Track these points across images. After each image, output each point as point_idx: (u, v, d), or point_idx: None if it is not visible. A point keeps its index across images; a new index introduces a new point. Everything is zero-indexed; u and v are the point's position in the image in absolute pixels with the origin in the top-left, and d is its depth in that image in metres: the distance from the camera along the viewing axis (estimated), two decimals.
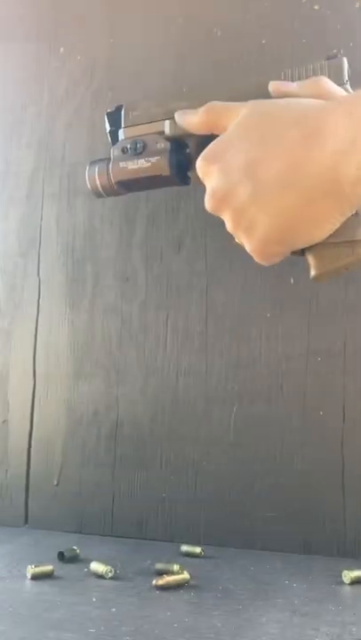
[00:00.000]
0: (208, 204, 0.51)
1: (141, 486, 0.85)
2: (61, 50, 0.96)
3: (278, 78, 0.53)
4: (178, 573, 0.66)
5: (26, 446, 0.92)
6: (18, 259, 0.96)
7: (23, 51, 0.99)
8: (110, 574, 0.67)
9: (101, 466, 0.88)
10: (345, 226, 0.48)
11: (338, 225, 0.48)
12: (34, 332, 0.94)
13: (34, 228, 0.95)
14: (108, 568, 0.67)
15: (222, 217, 0.51)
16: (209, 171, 0.50)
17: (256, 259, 0.52)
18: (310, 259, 0.51)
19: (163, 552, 0.76)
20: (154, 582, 0.64)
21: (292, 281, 0.81)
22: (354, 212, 0.48)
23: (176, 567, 0.67)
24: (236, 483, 0.81)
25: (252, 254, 0.52)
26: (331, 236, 0.49)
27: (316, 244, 0.49)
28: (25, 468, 0.91)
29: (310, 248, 0.50)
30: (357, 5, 0.81)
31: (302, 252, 0.51)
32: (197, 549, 0.75)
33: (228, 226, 0.51)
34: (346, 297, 0.79)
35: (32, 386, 0.93)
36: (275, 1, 0.85)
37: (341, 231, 0.48)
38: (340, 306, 0.79)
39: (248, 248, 0.51)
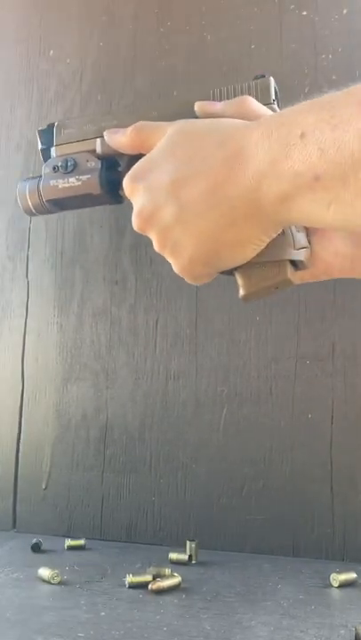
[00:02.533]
0: (135, 223, 0.51)
1: (130, 490, 0.85)
2: (51, 52, 0.96)
3: (207, 97, 0.53)
4: (170, 577, 0.66)
5: (14, 449, 0.91)
6: (6, 261, 0.95)
7: (12, 53, 0.99)
8: (57, 579, 0.66)
9: (90, 469, 0.87)
10: (272, 245, 0.48)
11: (263, 246, 0.48)
12: (22, 335, 0.93)
13: (22, 231, 0.95)
14: (55, 572, 0.66)
15: (149, 236, 0.51)
16: (135, 190, 0.50)
17: (185, 278, 0.52)
18: (238, 279, 0.51)
19: (152, 556, 0.76)
20: (149, 587, 0.64)
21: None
22: (280, 232, 0.48)
23: (168, 571, 0.67)
24: (226, 486, 0.81)
25: (179, 274, 0.52)
26: (258, 255, 0.49)
27: (244, 264, 0.50)
28: (13, 471, 0.91)
29: (238, 268, 0.50)
30: (345, 12, 0.82)
31: (231, 272, 0.51)
32: (185, 556, 0.73)
33: (155, 245, 0.51)
34: (334, 301, 0.80)
35: (20, 389, 0.92)
36: (264, 6, 0.85)
37: (268, 251, 0.48)
38: (328, 310, 0.80)
39: (175, 268, 0.51)
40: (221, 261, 0.49)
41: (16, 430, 0.92)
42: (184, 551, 0.74)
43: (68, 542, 0.80)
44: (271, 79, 0.53)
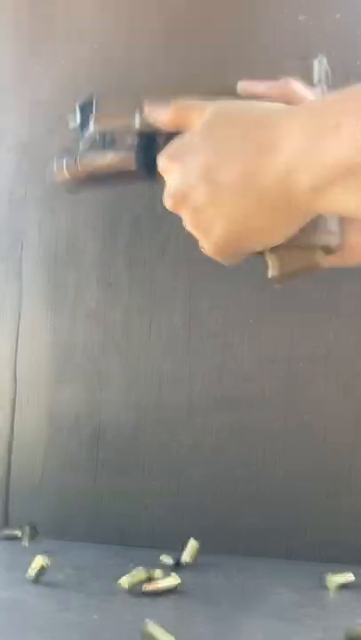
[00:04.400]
0: (167, 202, 0.52)
1: (123, 492, 0.85)
2: (45, 54, 0.96)
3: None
4: (162, 579, 0.66)
5: (6, 452, 0.91)
6: None
7: (5, 54, 0.98)
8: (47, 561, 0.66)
9: (83, 472, 0.87)
10: (304, 230, 0.49)
11: (292, 232, 0.49)
12: (15, 337, 0.93)
13: (16, 233, 0.95)
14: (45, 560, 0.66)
15: (181, 215, 0.52)
16: (170, 169, 0.51)
17: (215, 258, 0.53)
18: (269, 260, 0.52)
19: (144, 559, 0.76)
20: (143, 588, 0.64)
21: (275, 287, 0.81)
22: (311, 218, 0.49)
23: (158, 573, 0.67)
24: (219, 489, 0.81)
25: (210, 254, 0.52)
26: (291, 239, 0.50)
27: (276, 247, 0.51)
28: (5, 473, 0.90)
29: (270, 249, 0.51)
30: (338, 16, 0.83)
31: (262, 252, 0.52)
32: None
33: (187, 224, 0.52)
34: (328, 304, 0.80)
35: (13, 391, 0.92)
36: (259, 11, 0.85)
37: (301, 235, 0.49)
38: (323, 312, 0.80)
39: (206, 247, 0.52)
40: (252, 245, 0.50)
41: (8, 432, 0.91)
42: (180, 552, 0.74)
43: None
44: (315, 61, 0.53)
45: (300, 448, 0.79)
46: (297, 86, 0.51)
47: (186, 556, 0.74)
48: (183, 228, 0.85)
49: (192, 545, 0.74)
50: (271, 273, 0.52)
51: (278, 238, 0.49)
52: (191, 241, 0.85)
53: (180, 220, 0.88)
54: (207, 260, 0.87)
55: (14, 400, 0.92)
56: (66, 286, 0.91)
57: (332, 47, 0.82)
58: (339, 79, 0.81)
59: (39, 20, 0.97)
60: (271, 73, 0.83)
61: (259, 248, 0.51)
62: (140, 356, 0.86)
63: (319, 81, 0.53)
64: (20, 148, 0.96)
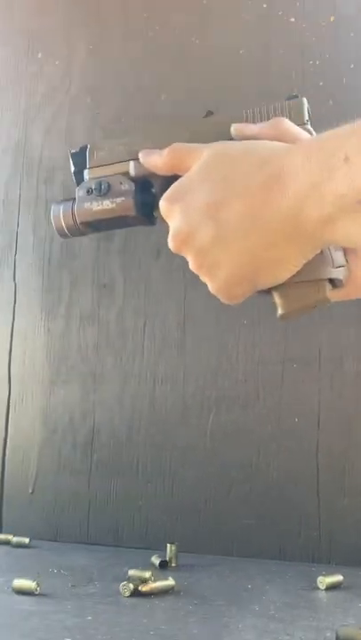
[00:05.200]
0: (171, 244, 0.51)
1: (117, 494, 0.85)
2: (39, 55, 0.96)
3: (240, 119, 0.54)
4: (158, 580, 0.66)
5: (0, 453, 0.91)
6: None
7: (0, 55, 0.98)
8: (38, 589, 0.64)
9: (77, 473, 0.87)
10: (310, 264, 0.49)
11: (300, 266, 0.48)
12: (9, 339, 0.93)
13: (10, 234, 0.95)
14: (35, 583, 0.65)
15: (186, 257, 0.52)
16: (171, 211, 0.50)
17: (221, 298, 0.53)
18: (276, 298, 0.51)
19: (139, 560, 0.76)
20: (139, 588, 0.64)
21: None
22: (318, 252, 0.49)
23: (148, 574, 0.67)
24: (213, 490, 0.81)
25: (215, 294, 0.52)
26: (296, 275, 0.49)
27: (282, 284, 0.50)
28: None
29: (276, 287, 0.51)
30: (332, 19, 0.83)
31: (268, 290, 0.52)
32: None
33: (192, 266, 0.51)
34: (321, 306, 0.80)
35: (7, 392, 0.92)
36: (252, 13, 0.86)
37: (306, 270, 0.49)
38: (315, 314, 0.80)
39: (211, 288, 0.52)
40: (259, 282, 0.50)
41: (2, 434, 0.91)
42: (164, 554, 0.74)
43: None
44: (304, 99, 0.53)
45: (294, 449, 0.79)
46: (289, 125, 0.52)
47: (169, 557, 0.74)
48: None
49: (170, 548, 0.75)
50: (280, 311, 0.51)
51: (287, 273, 0.49)
52: None
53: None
54: None
55: (8, 401, 0.92)
56: (60, 288, 0.91)
57: (326, 50, 0.82)
58: (333, 82, 0.82)
59: (35, 21, 0.97)
60: (264, 75, 0.83)
61: (266, 285, 0.50)
62: (135, 358, 0.86)
63: (308, 119, 0.53)
64: (14, 150, 0.96)
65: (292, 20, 0.84)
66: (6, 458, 0.91)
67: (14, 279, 0.94)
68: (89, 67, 0.93)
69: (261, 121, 0.53)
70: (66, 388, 0.89)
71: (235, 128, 0.53)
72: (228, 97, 0.85)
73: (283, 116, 0.52)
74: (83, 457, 0.87)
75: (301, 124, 0.53)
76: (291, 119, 0.52)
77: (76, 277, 0.91)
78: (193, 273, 0.91)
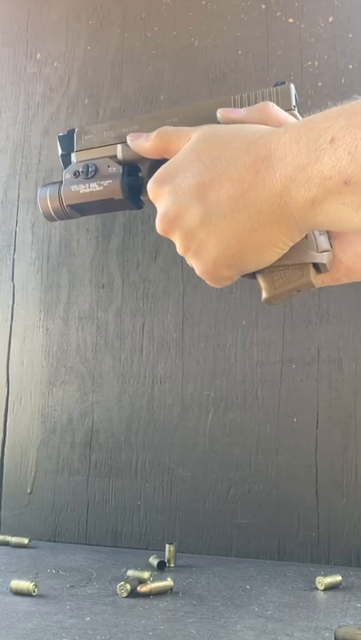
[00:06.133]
0: (158, 226, 0.51)
1: (116, 494, 0.85)
2: (38, 56, 0.96)
3: (228, 103, 0.54)
4: (157, 581, 0.66)
5: None
6: None
7: None
8: (35, 590, 0.64)
9: (76, 474, 0.87)
10: (295, 249, 0.49)
11: (286, 249, 0.49)
12: (7, 339, 0.93)
13: (9, 234, 0.95)
14: (33, 584, 0.65)
15: (173, 239, 0.52)
16: (159, 193, 0.50)
17: (207, 281, 0.53)
18: (261, 281, 0.51)
19: (137, 560, 0.76)
20: (138, 589, 0.64)
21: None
22: (304, 236, 0.49)
23: (147, 574, 0.67)
24: (211, 490, 0.81)
25: (201, 277, 0.52)
26: (281, 259, 0.49)
27: (267, 268, 0.50)
28: None
29: (261, 271, 0.51)
30: (330, 19, 0.83)
31: (253, 274, 0.52)
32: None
33: (179, 248, 0.51)
34: (319, 306, 0.80)
35: (5, 393, 0.92)
36: (250, 13, 0.86)
37: (291, 254, 0.49)
38: (314, 314, 0.80)
39: (198, 271, 0.52)
40: (245, 264, 0.50)
41: (0, 434, 0.91)
42: (163, 555, 0.74)
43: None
44: (292, 85, 0.54)
45: (293, 449, 0.79)
46: (275, 109, 0.52)
47: (167, 558, 0.74)
48: None
49: (168, 548, 0.75)
50: (264, 294, 0.52)
51: (273, 256, 0.49)
52: None
53: None
54: None
55: (7, 401, 0.92)
56: (59, 288, 0.91)
57: (324, 51, 0.82)
58: (332, 83, 0.82)
59: (33, 22, 0.97)
60: (262, 75, 0.84)
61: (252, 268, 0.50)
62: (133, 358, 0.86)
63: (295, 105, 0.53)
64: (13, 150, 0.96)
65: (291, 20, 0.84)
66: (5, 458, 0.91)
67: (12, 279, 0.94)
68: (87, 68, 0.94)
69: (249, 106, 0.53)
70: (64, 388, 0.89)
71: (220, 112, 0.53)
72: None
73: (270, 101, 0.52)
74: (81, 457, 0.87)
75: (289, 109, 0.53)
76: (278, 104, 0.52)
77: (74, 278, 0.91)
78: (192, 273, 0.91)
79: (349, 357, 0.78)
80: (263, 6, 0.85)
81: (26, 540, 0.82)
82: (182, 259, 0.87)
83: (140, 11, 0.91)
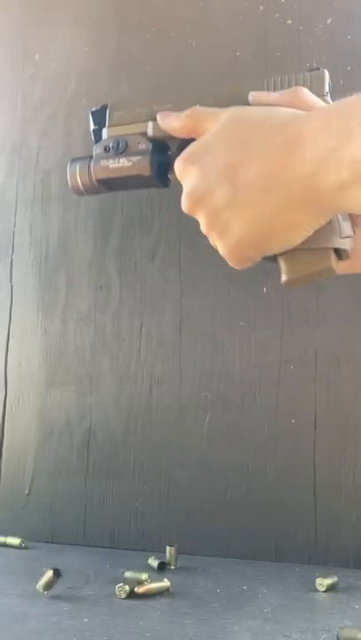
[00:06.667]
0: (184, 204, 0.52)
1: (114, 495, 0.85)
2: (36, 56, 0.96)
3: (260, 87, 0.54)
4: (154, 582, 0.66)
5: None
6: None
7: None
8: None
9: (73, 475, 0.87)
10: (318, 233, 0.49)
11: (311, 232, 0.49)
12: (5, 340, 0.93)
13: (7, 235, 0.95)
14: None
15: (197, 217, 0.52)
16: (187, 171, 0.51)
17: (229, 261, 0.53)
18: (283, 264, 0.51)
19: (135, 561, 0.76)
20: (136, 589, 0.64)
21: (265, 290, 0.82)
22: (329, 220, 0.49)
23: (144, 576, 0.67)
24: (209, 491, 0.81)
25: (224, 257, 0.52)
26: (303, 242, 0.49)
27: (289, 250, 0.50)
28: None
29: (283, 253, 0.51)
30: (329, 21, 0.83)
31: (274, 257, 0.52)
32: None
33: (203, 227, 0.51)
34: (318, 307, 0.80)
35: (3, 394, 0.92)
36: (249, 15, 0.86)
37: (314, 238, 0.49)
38: (311, 315, 0.80)
39: (221, 250, 0.52)
40: (269, 245, 0.50)
41: None
42: (163, 557, 0.74)
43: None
44: (326, 71, 0.54)
45: (290, 450, 0.79)
46: (308, 94, 0.52)
47: (168, 560, 0.74)
48: (174, 231, 0.86)
49: (169, 551, 0.75)
50: (284, 277, 0.51)
51: (298, 238, 0.49)
52: (182, 244, 0.86)
53: (170, 222, 0.89)
54: (197, 262, 0.87)
55: (4, 403, 0.91)
56: (57, 288, 0.91)
57: (323, 52, 0.82)
58: (330, 84, 0.82)
59: (31, 23, 0.97)
60: (262, 78, 0.83)
61: (276, 249, 0.50)
62: (131, 359, 0.86)
63: (328, 91, 0.53)
64: (11, 151, 0.96)
65: (289, 22, 0.84)
66: (2, 459, 0.91)
67: (11, 280, 0.94)
68: (86, 69, 0.93)
69: (282, 90, 0.53)
70: (62, 389, 0.89)
71: (253, 95, 0.53)
72: None
73: (304, 86, 0.53)
74: (79, 458, 0.87)
75: (321, 95, 0.53)
76: (311, 90, 0.52)
77: (72, 279, 0.91)
78: (189, 274, 0.91)
79: (347, 358, 0.78)
80: (261, 8, 0.85)
81: (23, 542, 0.82)
82: (180, 260, 0.87)
83: (137, 12, 0.91)
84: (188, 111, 0.54)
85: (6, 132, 0.97)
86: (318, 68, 0.54)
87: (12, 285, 0.93)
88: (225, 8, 0.87)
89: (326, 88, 0.53)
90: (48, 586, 0.64)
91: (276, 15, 0.85)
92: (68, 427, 0.88)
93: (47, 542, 0.86)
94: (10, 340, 0.92)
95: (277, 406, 0.80)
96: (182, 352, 0.84)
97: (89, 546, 0.84)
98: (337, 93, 0.81)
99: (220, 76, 0.86)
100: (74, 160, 0.62)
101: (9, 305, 0.93)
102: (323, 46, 0.83)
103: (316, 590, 0.67)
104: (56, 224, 0.92)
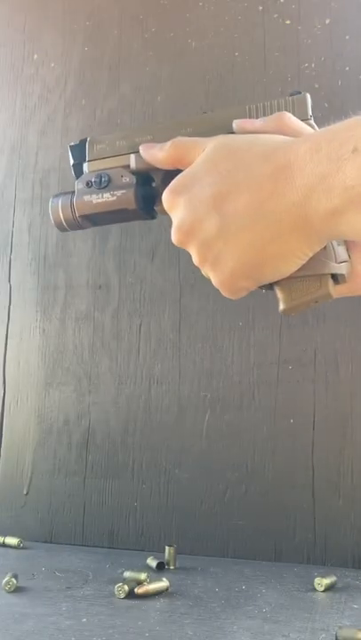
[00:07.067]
0: (174, 237, 0.51)
1: (113, 495, 0.85)
2: (35, 57, 0.96)
3: (243, 113, 0.54)
4: (153, 582, 0.66)
5: None
6: None
7: None
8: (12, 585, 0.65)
9: (72, 475, 0.87)
10: (313, 259, 0.48)
11: (306, 259, 0.48)
12: (4, 340, 0.93)
13: (5, 234, 0.95)
14: (10, 579, 0.65)
15: (189, 250, 0.51)
16: (175, 203, 0.50)
17: (223, 292, 0.52)
18: (279, 293, 0.51)
19: (134, 561, 0.76)
20: (135, 590, 0.64)
21: (263, 291, 0.81)
22: (323, 246, 0.48)
23: (143, 576, 0.67)
24: (208, 491, 0.81)
25: (218, 288, 0.52)
26: (299, 269, 0.48)
27: (285, 279, 0.49)
28: None
29: (278, 282, 0.50)
30: (327, 21, 0.83)
31: (270, 285, 0.51)
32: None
33: (195, 259, 0.51)
34: (316, 308, 0.80)
35: (2, 394, 0.92)
36: (248, 15, 0.86)
37: (309, 265, 0.48)
38: (310, 316, 0.80)
39: (214, 282, 0.51)
40: (263, 275, 0.49)
41: None
42: (163, 556, 0.74)
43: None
44: (308, 95, 0.53)
45: (289, 450, 0.79)
46: (292, 119, 0.51)
47: (167, 560, 0.74)
48: None
49: (168, 550, 0.75)
50: (281, 306, 0.51)
51: (292, 267, 0.48)
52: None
53: (170, 222, 0.89)
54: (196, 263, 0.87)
55: (3, 402, 0.91)
56: (55, 288, 0.91)
57: (321, 52, 0.83)
58: (329, 84, 0.82)
59: (30, 23, 0.97)
60: (259, 77, 0.84)
61: (270, 279, 0.50)
62: (130, 359, 0.86)
63: (311, 115, 0.53)
64: (10, 150, 0.96)
65: (288, 22, 0.84)
66: (1, 459, 0.90)
67: (9, 280, 0.93)
68: (85, 69, 0.93)
69: (265, 116, 0.53)
70: (61, 389, 0.89)
71: (236, 123, 0.53)
72: (224, 99, 0.86)
73: (286, 111, 0.52)
74: (78, 458, 0.87)
75: (305, 119, 0.52)
76: (294, 114, 0.52)
77: (71, 278, 0.90)
78: (188, 275, 0.91)
79: (346, 359, 0.79)
80: (260, 8, 0.86)
81: (21, 542, 0.82)
82: (179, 260, 0.87)
83: (137, 12, 0.91)
84: (171, 142, 0.53)
85: (6, 131, 0.97)
86: (300, 92, 0.54)
87: (10, 285, 0.93)
88: (224, 8, 0.87)
89: (309, 112, 0.53)
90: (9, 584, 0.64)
91: (275, 15, 0.85)
92: (67, 426, 0.88)
93: (46, 542, 0.86)
94: (8, 340, 0.92)
95: (276, 406, 0.80)
96: (181, 352, 0.84)
97: (88, 546, 0.84)
98: (336, 93, 0.82)
99: (220, 75, 0.86)
100: (55, 196, 0.62)
101: (7, 305, 0.93)
102: (321, 46, 0.83)
103: (315, 590, 0.67)
104: (54, 224, 0.92)
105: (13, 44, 0.97)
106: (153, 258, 0.87)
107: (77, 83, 0.94)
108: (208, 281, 0.82)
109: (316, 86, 0.82)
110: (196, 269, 0.89)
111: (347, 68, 0.82)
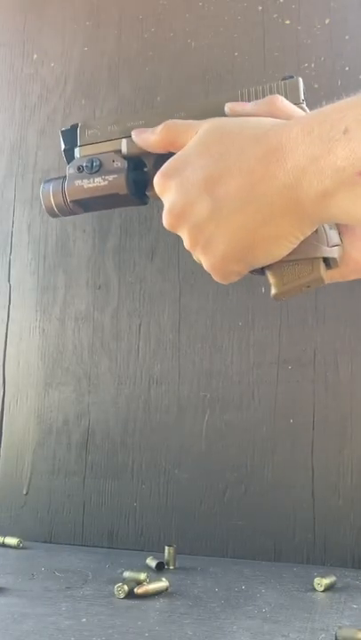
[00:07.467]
0: (165, 220, 0.50)
1: (112, 495, 0.85)
2: (35, 56, 0.96)
3: (235, 98, 0.53)
4: (152, 582, 0.66)
5: None
6: None
7: None
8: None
9: (72, 475, 0.87)
10: (305, 243, 0.48)
11: (297, 243, 0.48)
12: (4, 340, 0.92)
13: (5, 234, 0.94)
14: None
15: (180, 234, 0.50)
16: (167, 187, 0.49)
17: (214, 277, 0.51)
18: (270, 277, 0.50)
19: (134, 561, 0.76)
20: (135, 590, 0.64)
21: (263, 290, 0.82)
22: (315, 229, 0.48)
23: (143, 576, 0.67)
24: (208, 491, 0.81)
25: (210, 272, 0.51)
26: (290, 253, 0.48)
27: (276, 263, 0.49)
28: None
29: (270, 266, 0.50)
30: (327, 21, 0.83)
31: (262, 270, 0.51)
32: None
33: (186, 243, 0.50)
34: (316, 307, 0.80)
35: (1, 394, 0.92)
36: (247, 15, 0.86)
37: (301, 249, 0.48)
38: (310, 315, 0.80)
39: (206, 266, 0.50)
40: (255, 258, 0.49)
41: None
42: (162, 557, 0.74)
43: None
44: (300, 79, 0.53)
45: (288, 450, 0.79)
46: (284, 103, 0.51)
47: (167, 560, 0.74)
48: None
49: (168, 550, 0.74)
50: (273, 290, 0.51)
51: (283, 250, 0.48)
52: (181, 244, 0.86)
53: None
54: (196, 263, 0.87)
55: (2, 403, 0.91)
56: (55, 288, 0.91)
57: (321, 52, 0.83)
58: (328, 84, 0.82)
59: (30, 22, 0.97)
60: (259, 77, 0.84)
61: (261, 262, 0.49)
62: (130, 359, 0.86)
63: (304, 99, 0.53)
64: (9, 150, 0.96)
65: (288, 22, 0.84)
66: (0, 459, 0.90)
67: (9, 280, 0.93)
68: (84, 68, 0.93)
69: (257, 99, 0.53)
70: (60, 389, 0.89)
71: (228, 107, 0.52)
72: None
73: (279, 94, 0.52)
74: (77, 458, 0.87)
75: (297, 102, 0.52)
76: (287, 98, 0.52)
77: (70, 278, 0.90)
78: (188, 274, 0.91)
79: (346, 359, 0.79)
80: (260, 8, 0.86)
81: (20, 542, 0.82)
82: (179, 259, 0.87)
83: (136, 12, 0.91)
84: (163, 125, 0.53)
85: (5, 131, 0.97)
86: (293, 76, 0.54)
87: (10, 285, 0.93)
88: (224, 8, 0.87)
89: (302, 96, 0.53)
90: None
91: (275, 15, 0.85)
92: (67, 427, 0.88)
93: (45, 542, 0.86)
94: (8, 340, 0.92)
95: (276, 406, 0.80)
96: (181, 352, 0.84)
97: (87, 546, 0.84)
98: (336, 93, 0.81)
99: (220, 75, 0.86)
100: (47, 181, 0.61)
101: (7, 305, 0.93)
102: (321, 46, 0.83)
103: (315, 590, 0.67)
104: (54, 223, 0.92)
105: (13, 44, 0.97)
106: (152, 257, 0.87)
107: (77, 83, 0.94)
108: (208, 280, 0.82)
109: (316, 86, 0.82)
110: (196, 269, 0.89)
111: (347, 68, 0.82)
